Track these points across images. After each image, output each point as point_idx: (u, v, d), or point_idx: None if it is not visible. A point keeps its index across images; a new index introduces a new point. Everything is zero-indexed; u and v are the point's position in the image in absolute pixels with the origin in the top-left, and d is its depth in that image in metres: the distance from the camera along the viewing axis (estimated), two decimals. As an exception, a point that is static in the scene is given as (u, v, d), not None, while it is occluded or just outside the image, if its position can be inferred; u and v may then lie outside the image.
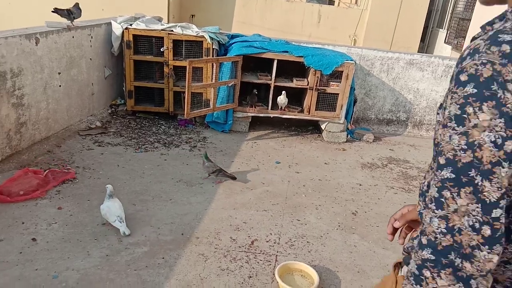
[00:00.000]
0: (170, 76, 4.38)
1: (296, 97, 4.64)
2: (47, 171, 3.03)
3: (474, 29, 9.05)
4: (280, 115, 4.38)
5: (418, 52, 9.49)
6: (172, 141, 4.02)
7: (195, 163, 3.58)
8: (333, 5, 13.67)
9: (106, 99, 4.52)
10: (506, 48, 0.68)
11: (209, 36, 4.25)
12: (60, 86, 3.62)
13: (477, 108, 0.68)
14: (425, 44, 14.17)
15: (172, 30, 4.26)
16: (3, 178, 2.83)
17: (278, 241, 2.58)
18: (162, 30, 4.23)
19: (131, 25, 4.23)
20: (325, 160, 3.97)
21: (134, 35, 4.20)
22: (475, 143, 0.68)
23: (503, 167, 0.67)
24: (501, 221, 0.69)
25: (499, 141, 0.66)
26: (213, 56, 4.31)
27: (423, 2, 11.15)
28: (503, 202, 0.69)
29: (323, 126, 4.51)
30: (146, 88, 4.49)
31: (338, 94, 4.29)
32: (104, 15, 5.34)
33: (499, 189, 0.68)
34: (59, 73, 3.58)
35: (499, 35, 0.70)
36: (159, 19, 4.63)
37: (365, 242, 2.66)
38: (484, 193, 0.68)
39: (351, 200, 3.20)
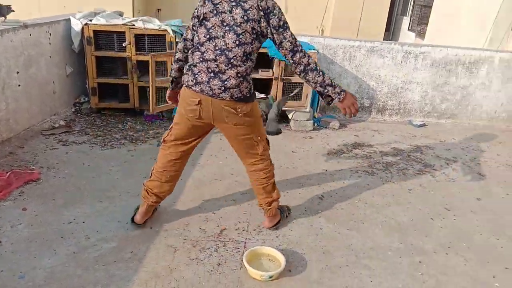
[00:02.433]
0: (133, 71, 4.33)
1: (263, 87, 4.69)
2: (9, 172, 2.97)
3: (435, 15, 9.35)
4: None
5: (384, 40, 9.72)
6: (139, 137, 4.00)
7: (163, 158, 3.57)
8: (300, -4, 13.78)
9: (69, 98, 4.42)
10: None
11: (172, 30, 4.22)
12: (19, 85, 3.52)
13: None
14: (390, 32, 14.51)
15: (133, 25, 4.21)
16: (-38, 182, 2.75)
17: (247, 228, 2.64)
18: (123, 24, 4.18)
19: (91, 20, 4.15)
20: (292, 148, 4.05)
21: (94, 31, 4.12)
22: None
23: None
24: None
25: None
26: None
27: (386, -9, 11.41)
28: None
29: (290, 116, 4.59)
30: (110, 84, 4.43)
31: (303, 83, 4.37)
32: (66, 12, 5.20)
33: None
34: (18, 72, 3.48)
35: None
36: (120, 14, 4.56)
37: (330, 225, 2.76)
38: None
39: (317, 185, 3.30)
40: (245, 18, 2.03)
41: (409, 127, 5.05)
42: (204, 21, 2.08)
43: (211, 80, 2.09)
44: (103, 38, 4.23)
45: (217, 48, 2.06)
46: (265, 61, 4.46)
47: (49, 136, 3.75)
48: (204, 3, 2.09)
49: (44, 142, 3.63)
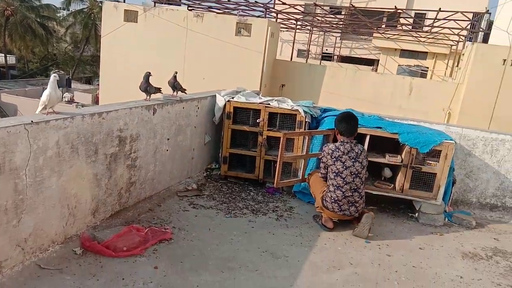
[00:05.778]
0: (263, 145, 4.59)
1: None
2: (147, 229, 3.28)
3: None
4: (370, 191, 4.26)
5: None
6: (259, 209, 4.11)
7: (280, 233, 3.60)
8: (425, 77, 13.44)
9: (203, 163, 4.85)
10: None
11: (303, 110, 4.43)
12: (167, 150, 4.01)
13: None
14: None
15: (269, 104, 4.55)
16: (111, 232, 3.12)
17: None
18: (260, 103, 4.54)
19: (233, 98, 4.62)
20: (420, 244, 3.70)
21: (235, 107, 4.56)
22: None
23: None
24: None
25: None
26: (305, 128, 4.46)
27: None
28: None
29: (417, 207, 4.26)
30: (240, 155, 4.75)
31: (435, 173, 4.08)
32: (204, 83, 5.91)
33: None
34: (168, 139, 3.99)
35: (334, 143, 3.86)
36: (257, 93, 4.99)
37: None
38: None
39: (451, 295, 2.90)
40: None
41: None
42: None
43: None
44: (241, 113, 4.65)
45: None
46: (392, 146, 4.33)
47: (182, 198, 4.11)
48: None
49: (178, 203, 3.98)
